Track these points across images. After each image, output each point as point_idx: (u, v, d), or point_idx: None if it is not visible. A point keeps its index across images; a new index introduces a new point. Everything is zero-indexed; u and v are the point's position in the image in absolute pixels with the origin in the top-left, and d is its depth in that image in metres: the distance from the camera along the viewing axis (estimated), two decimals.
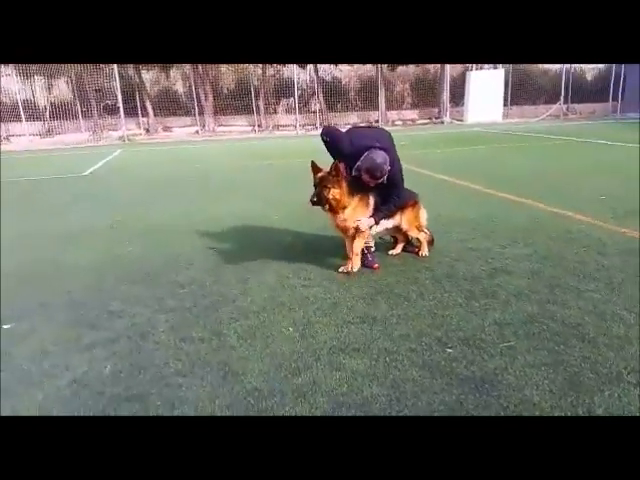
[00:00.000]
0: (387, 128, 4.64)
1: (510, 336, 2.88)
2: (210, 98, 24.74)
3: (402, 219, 4.14)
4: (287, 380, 2.53)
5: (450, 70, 23.27)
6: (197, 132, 24.04)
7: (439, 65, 24.12)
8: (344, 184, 3.73)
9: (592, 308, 3.17)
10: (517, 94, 23.81)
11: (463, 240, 4.72)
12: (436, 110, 24.45)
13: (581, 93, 23.23)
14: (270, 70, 25.86)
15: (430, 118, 24.10)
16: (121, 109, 19.62)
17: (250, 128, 24.60)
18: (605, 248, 4.27)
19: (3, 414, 2.35)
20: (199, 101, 24.38)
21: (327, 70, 26.55)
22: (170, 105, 24.34)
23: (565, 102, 22.38)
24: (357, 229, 3.88)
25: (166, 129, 24.90)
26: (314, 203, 3.74)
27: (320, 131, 4.13)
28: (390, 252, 4.39)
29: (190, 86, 24.84)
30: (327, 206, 3.78)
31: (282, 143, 17.41)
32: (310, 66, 24.92)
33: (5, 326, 3.27)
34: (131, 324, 3.25)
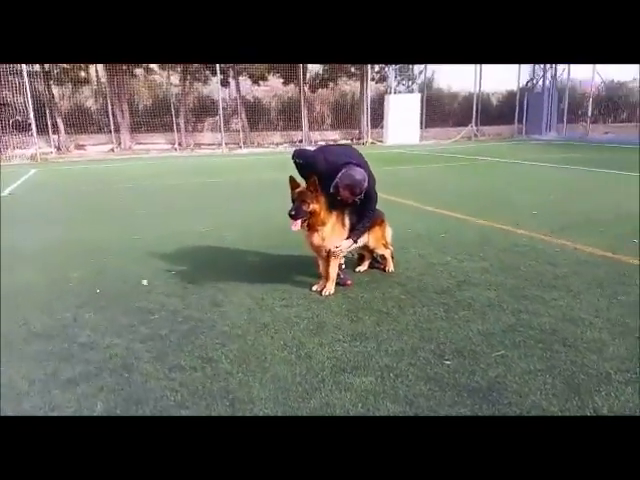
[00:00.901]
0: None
1: (498, 345, 3.01)
2: (126, 115, 23.85)
3: (370, 237, 4.21)
4: (299, 404, 2.47)
5: (369, 93, 24.13)
6: (112, 150, 23.05)
7: (358, 88, 25.02)
8: (322, 200, 3.74)
9: (562, 315, 3.40)
10: (431, 117, 25.17)
11: (422, 255, 4.89)
12: (356, 131, 25.20)
13: (488, 116, 24.99)
14: (189, 87, 25.47)
15: (352, 139, 24.78)
16: (33, 125, 18.33)
17: (170, 146, 23.97)
18: (553, 259, 4.60)
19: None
20: (115, 118, 23.40)
21: (247, 89, 26.60)
22: (82, 122, 23.15)
23: (475, 124, 23.94)
24: (330, 251, 3.88)
25: (79, 147, 23.63)
26: (292, 217, 3.69)
27: (292, 152, 4.12)
28: (357, 269, 4.45)
29: (104, 102, 23.81)
30: (306, 222, 3.75)
31: (209, 162, 17.09)
32: (232, 85, 24.83)
33: None
34: (109, 356, 3.02)
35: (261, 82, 26.03)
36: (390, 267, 4.42)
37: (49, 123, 21.33)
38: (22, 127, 18.73)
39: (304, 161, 3.92)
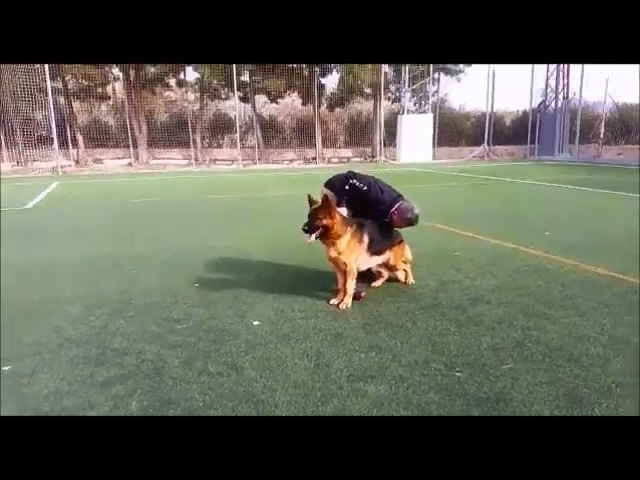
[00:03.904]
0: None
1: (507, 359, 3.18)
2: (144, 130, 24.39)
3: (391, 256, 4.47)
4: (318, 408, 2.66)
5: (382, 112, 24.53)
6: (130, 164, 23.53)
7: (372, 108, 25.40)
8: (336, 214, 4.01)
9: (568, 332, 3.56)
10: (443, 136, 25.43)
11: (435, 273, 5.06)
12: (369, 149, 25.52)
13: (501, 136, 25.22)
14: (206, 103, 26.03)
15: (365, 157, 25.09)
16: (55, 140, 18.90)
17: (186, 162, 24.43)
18: (563, 279, 4.76)
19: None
20: (132, 133, 23.95)
21: (263, 107, 27.14)
22: (101, 136, 23.76)
23: (488, 144, 24.14)
24: (346, 265, 4.10)
25: (97, 161, 24.20)
26: (305, 231, 3.99)
27: (345, 177, 4.51)
28: (373, 284, 4.64)
29: (122, 117, 24.40)
30: (318, 236, 4.01)
31: (225, 178, 17.45)
32: (250, 101, 25.35)
33: (4, 368, 3.15)
34: (140, 360, 3.24)
35: (279, 100, 26.56)
36: (410, 279, 4.70)
37: (69, 137, 21.97)
38: (45, 141, 19.31)
39: (369, 189, 4.43)
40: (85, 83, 22.80)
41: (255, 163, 23.50)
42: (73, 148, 22.87)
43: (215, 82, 23.93)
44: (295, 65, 22.81)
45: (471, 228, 7.21)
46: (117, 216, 9.10)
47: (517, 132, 26.11)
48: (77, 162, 23.27)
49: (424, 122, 23.06)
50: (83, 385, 2.93)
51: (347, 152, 25.91)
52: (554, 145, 23.43)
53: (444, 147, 25.60)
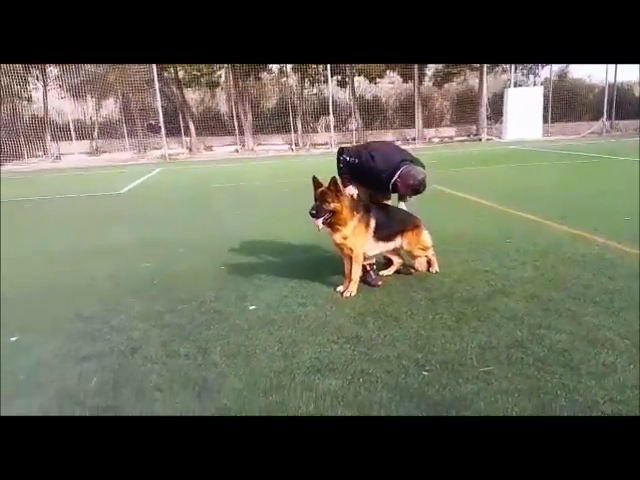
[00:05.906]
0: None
1: (491, 361, 2.83)
2: (249, 117, 25.30)
3: (404, 241, 4.17)
4: (258, 399, 2.58)
5: (489, 87, 23.02)
6: (237, 151, 24.58)
7: (478, 81, 23.94)
8: (344, 198, 3.81)
9: (585, 333, 3.08)
10: (559, 111, 23.26)
11: (470, 261, 4.65)
12: (474, 127, 24.17)
13: (627, 109, 22.44)
14: (309, 89, 26.36)
15: (468, 135, 23.83)
16: (162, 128, 20.33)
17: (287, 147, 24.99)
18: (615, 271, 4.13)
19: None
20: (239, 120, 24.97)
21: (367, 89, 26.82)
22: (213, 124, 25.07)
23: (609, 119, 21.65)
24: (352, 251, 3.91)
25: (207, 148, 25.64)
26: (313, 215, 3.79)
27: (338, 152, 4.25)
28: (381, 273, 4.35)
29: (231, 105, 25.54)
30: (328, 220, 3.81)
31: (318, 161, 17.59)
32: (348, 85, 25.22)
33: (12, 338, 3.46)
34: (126, 338, 3.38)
35: (379, 80, 26.08)
36: (435, 267, 4.38)
37: (181, 126, 23.51)
38: (155, 129, 20.87)
39: (363, 160, 4.07)
40: (195, 72, 24.11)
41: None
42: (186, 136, 24.45)
43: (313, 66, 24.08)
44: None
45: (541, 212, 6.51)
46: (200, 202, 9.41)
47: None
48: (190, 149, 24.86)
49: (533, 96, 21.24)
50: (63, 359, 3.13)
51: (450, 131, 24.79)
52: None
53: (561, 122, 23.45)
